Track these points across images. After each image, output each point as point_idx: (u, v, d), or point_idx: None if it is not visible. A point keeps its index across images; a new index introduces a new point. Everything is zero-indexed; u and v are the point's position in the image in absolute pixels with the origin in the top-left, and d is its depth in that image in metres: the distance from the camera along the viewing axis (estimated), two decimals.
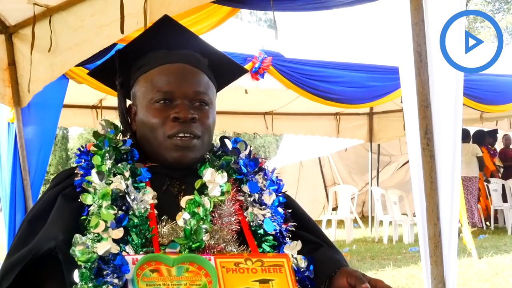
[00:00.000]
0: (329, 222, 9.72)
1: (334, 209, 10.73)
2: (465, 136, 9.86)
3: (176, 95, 1.48)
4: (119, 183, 1.37)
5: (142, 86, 1.52)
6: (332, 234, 9.48)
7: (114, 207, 1.33)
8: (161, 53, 1.53)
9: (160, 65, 1.51)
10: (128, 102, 1.61)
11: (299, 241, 1.46)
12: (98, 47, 3.30)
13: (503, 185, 10.16)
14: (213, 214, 1.42)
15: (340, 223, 9.96)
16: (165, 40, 1.55)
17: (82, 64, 3.68)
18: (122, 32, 2.94)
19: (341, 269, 1.42)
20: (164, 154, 1.47)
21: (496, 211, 10.16)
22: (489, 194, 10.12)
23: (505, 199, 10.07)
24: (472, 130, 10.12)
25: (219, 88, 1.64)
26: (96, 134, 1.48)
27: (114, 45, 3.29)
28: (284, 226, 1.50)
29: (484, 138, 10.33)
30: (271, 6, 2.72)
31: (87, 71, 4.16)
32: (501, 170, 10.97)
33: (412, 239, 8.73)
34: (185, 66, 1.51)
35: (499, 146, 11.67)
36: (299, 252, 1.45)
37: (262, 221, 1.46)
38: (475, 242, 7.49)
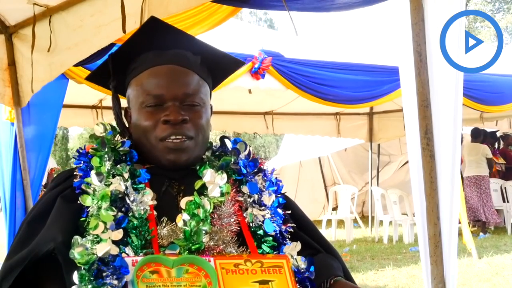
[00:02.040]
0: (329, 222, 9.73)
1: (334, 209, 10.73)
2: (478, 135, 9.90)
3: (166, 98, 1.47)
4: (118, 184, 1.37)
5: (133, 90, 1.52)
6: (332, 234, 9.48)
7: (114, 209, 1.33)
8: (151, 54, 1.52)
9: (149, 67, 1.50)
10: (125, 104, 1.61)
11: (299, 242, 1.46)
12: (97, 47, 3.30)
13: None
14: (213, 215, 1.42)
15: (340, 223, 9.96)
16: (155, 41, 1.53)
17: (81, 64, 3.68)
18: (124, 31, 2.94)
19: (338, 282, 1.43)
20: (158, 157, 1.47)
21: (496, 211, 10.17)
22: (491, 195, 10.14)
23: (504, 199, 10.11)
24: (470, 129, 10.15)
25: (216, 83, 1.63)
26: (93, 136, 1.48)
27: (112, 45, 3.29)
28: (283, 227, 1.49)
29: (481, 136, 10.34)
30: (285, 5, 2.72)
31: (87, 71, 4.18)
32: (502, 167, 10.98)
33: (412, 239, 8.73)
34: (174, 67, 1.50)
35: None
36: (299, 254, 1.44)
37: (262, 221, 1.46)
38: (475, 242, 7.50)
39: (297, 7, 2.89)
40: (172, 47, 1.53)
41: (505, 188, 10.23)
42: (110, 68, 1.56)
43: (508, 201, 10.10)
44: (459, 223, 6.13)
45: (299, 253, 1.45)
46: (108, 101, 7.03)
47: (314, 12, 3.21)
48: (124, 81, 1.57)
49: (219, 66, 1.61)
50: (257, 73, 5.75)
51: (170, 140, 1.45)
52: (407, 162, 10.25)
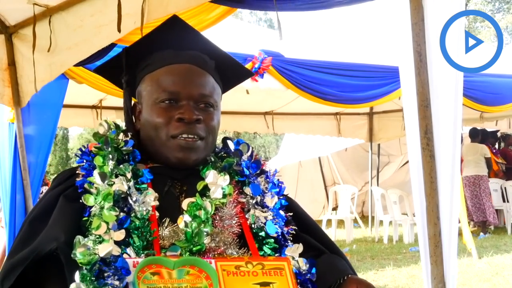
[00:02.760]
0: (329, 222, 9.72)
1: (334, 209, 10.73)
2: (476, 135, 9.92)
3: (182, 96, 1.48)
4: (121, 184, 1.37)
5: (148, 85, 1.52)
6: (332, 234, 9.47)
7: (116, 209, 1.33)
8: (168, 53, 1.53)
9: (167, 65, 1.51)
10: (133, 101, 1.61)
11: (300, 243, 1.46)
12: (97, 47, 3.30)
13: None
14: (214, 217, 1.42)
15: (340, 223, 9.95)
16: (173, 40, 1.54)
17: (80, 64, 3.68)
18: (119, 31, 2.93)
19: (349, 277, 1.42)
20: (167, 154, 1.47)
21: (496, 211, 10.18)
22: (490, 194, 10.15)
23: (504, 199, 10.12)
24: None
25: (224, 90, 1.63)
26: (96, 135, 1.48)
27: (112, 45, 3.29)
28: (285, 229, 1.49)
29: (479, 135, 10.37)
30: (275, 5, 2.71)
31: (87, 71, 4.18)
32: (503, 167, 10.99)
33: (412, 239, 8.73)
34: (192, 67, 1.51)
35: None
36: (302, 256, 1.44)
37: (264, 223, 1.46)
38: (475, 242, 7.50)
39: (290, 7, 2.87)
40: (190, 48, 1.54)
41: (505, 188, 10.23)
42: (124, 63, 1.56)
43: (508, 201, 10.10)
44: (459, 222, 6.13)
45: (302, 254, 1.44)
46: (108, 101, 7.03)
47: (307, 11, 3.19)
48: (135, 76, 1.57)
49: (230, 74, 1.63)
50: (257, 73, 5.75)
51: (182, 138, 1.45)
52: (407, 162, 10.28)
